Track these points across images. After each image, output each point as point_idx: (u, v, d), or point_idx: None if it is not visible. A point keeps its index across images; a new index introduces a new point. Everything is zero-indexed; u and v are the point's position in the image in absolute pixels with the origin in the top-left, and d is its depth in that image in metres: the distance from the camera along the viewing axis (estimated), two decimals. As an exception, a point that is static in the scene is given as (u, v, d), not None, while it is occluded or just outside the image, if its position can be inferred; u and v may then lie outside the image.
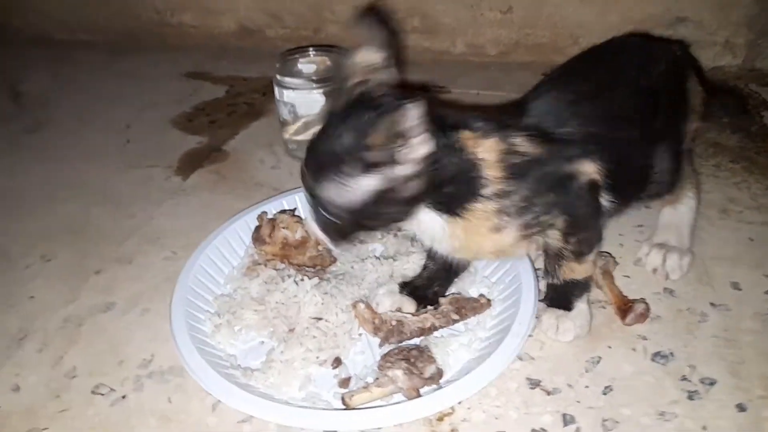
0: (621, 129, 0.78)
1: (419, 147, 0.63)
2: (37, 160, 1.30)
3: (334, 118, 0.69)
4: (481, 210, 0.70)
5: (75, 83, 1.65)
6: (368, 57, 0.70)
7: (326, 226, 0.71)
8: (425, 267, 0.86)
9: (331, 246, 0.75)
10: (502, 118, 0.74)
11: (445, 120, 0.69)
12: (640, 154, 0.82)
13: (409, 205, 0.69)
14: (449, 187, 0.69)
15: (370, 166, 0.64)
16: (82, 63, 1.76)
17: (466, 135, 0.69)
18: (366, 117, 0.65)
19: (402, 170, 0.65)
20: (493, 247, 0.74)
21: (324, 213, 0.69)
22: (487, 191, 0.69)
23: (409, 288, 0.84)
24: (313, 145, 0.70)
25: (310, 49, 1.23)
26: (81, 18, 1.90)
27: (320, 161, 0.68)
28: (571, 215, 0.73)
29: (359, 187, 0.66)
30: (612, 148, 0.75)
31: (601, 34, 1.49)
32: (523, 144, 0.71)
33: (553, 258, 0.78)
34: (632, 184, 0.83)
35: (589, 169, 0.73)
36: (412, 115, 0.60)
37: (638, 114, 0.82)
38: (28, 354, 0.83)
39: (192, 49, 1.79)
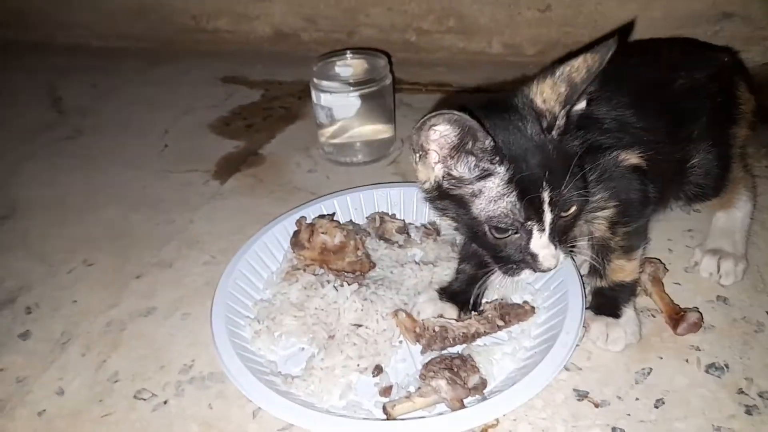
0: (649, 120, 0.77)
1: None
2: (77, 167, 1.32)
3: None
4: None
5: (113, 91, 1.68)
6: None
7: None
8: (460, 271, 0.84)
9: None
10: None
11: None
12: (672, 148, 0.80)
13: None
14: None
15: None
16: (120, 71, 1.79)
17: None
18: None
19: None
20: None
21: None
22: None
23: (447, 294, 0.82)
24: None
25: (347, 52, 1.22)
26: (119, 27, 1.93)
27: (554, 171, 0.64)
28: (619, 199, 0.71)
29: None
30: (641, 136, 0.74)
31: (643, 31, 1.47)
32: None
33: (600, 253, 0.76)
34: (669, 176, 0.81)
35: (629, 156, 0.72)
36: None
37: (673, 109, 0.80)
38: (72, 358, 0.84)
39: (227, 54, 1.81)
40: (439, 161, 0.66)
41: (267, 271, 0.93)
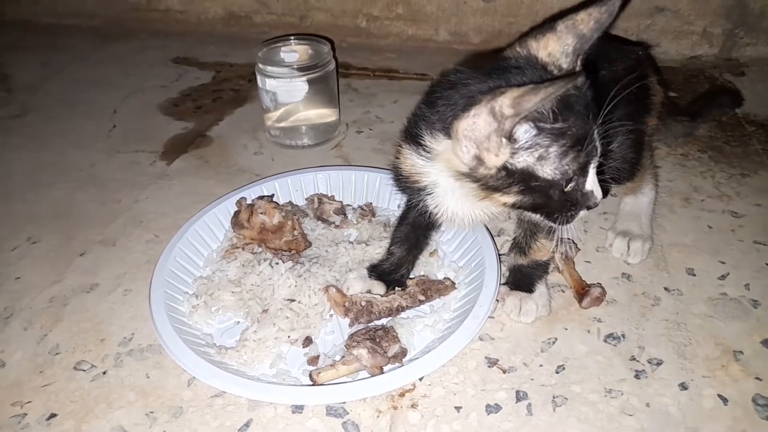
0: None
1: None
2: (23, 145, 1.32)
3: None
4: None
5: (62, 69, 1.67)
6: None
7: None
8: (391, 254, 0.89)
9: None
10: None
11: None
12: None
13: None
14: None
15: None
16: (70, 48, 1.78)
17: None
18: None
19: None
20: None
21: None
22: None
23: (377, 272, 0.88)
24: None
25: (292, 38, 1.25)
26: (69, 3, 1.91)
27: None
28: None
29: None
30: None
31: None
32: None
33: (529, 232, 0.82)
34: None
35: None
36: None
37: (601, 102, 0.86)
38: (14, 332, 0.86)
39: (179, 35, 1.81)
40: (508, 140, 0.63)
41: (207, 249, 0.97)
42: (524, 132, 0.63)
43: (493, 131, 0.62)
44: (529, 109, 0.59)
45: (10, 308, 0.91)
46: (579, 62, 0.67)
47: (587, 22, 0.65)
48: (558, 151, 0.64)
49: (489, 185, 0.67)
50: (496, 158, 0.64)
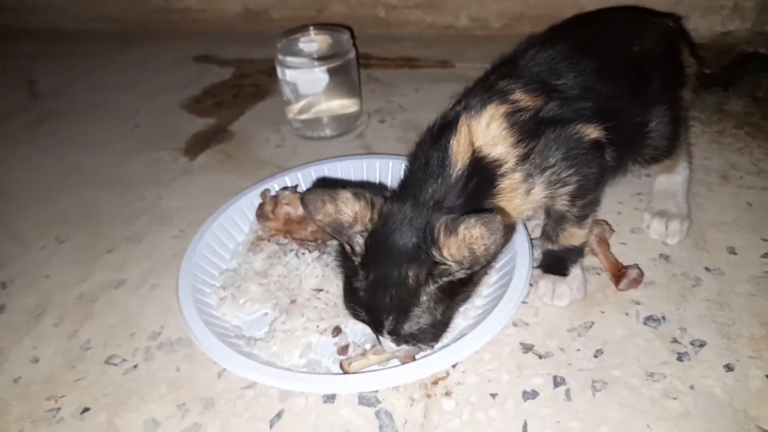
0: (614, 85, 0.80)
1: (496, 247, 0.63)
2: (51, 148, 1.34)
3: (375, 264, 0.66)
4: (509, 185, 0.70)
5: (87, 73, 1.69)
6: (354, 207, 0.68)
7: (418, 344, 0.70)
8: None
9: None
10: (491, 79, 0.75)
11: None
12: (634, 112, 0.83)
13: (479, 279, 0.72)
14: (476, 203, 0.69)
15: (446, 285, 0.65)
16: (94, 52, 1.80)
17: (460, 138, 0.69)
18: (417, 246, 0.64)
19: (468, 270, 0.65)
20: (530, 206, 0.75)
21: (412, 339, 0.68)
22: (506, 167, 0.70)
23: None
24: (371, 294, 0.67)
25: (311, 27, 1.24)
26: (94, 9, 1.93)
27: (393, 306, 0.66)
28: (581, 175, 0.73)
29: (442, 304, 0.67)
30: (606, 102, 0.77)
31: (606, 2, 1.49)
32: (522, 97, 0.72)
33: (556, 222, 0.80)
34: (629, 140, 0.85)
35: (591, 130, 0.74)
36: (497, 227, 0.59)
37: (631, 75, 0.83)
38: (45, 328, 0.87)
39: (199, 34, 1.82)
40: None
41: (233, 242, 0.96)
42: None
43: None
44: None
45: (41, 306, 0.91)
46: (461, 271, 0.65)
47: (479, 245, 0.61)
48: None
49: None
50: None
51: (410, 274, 0.64)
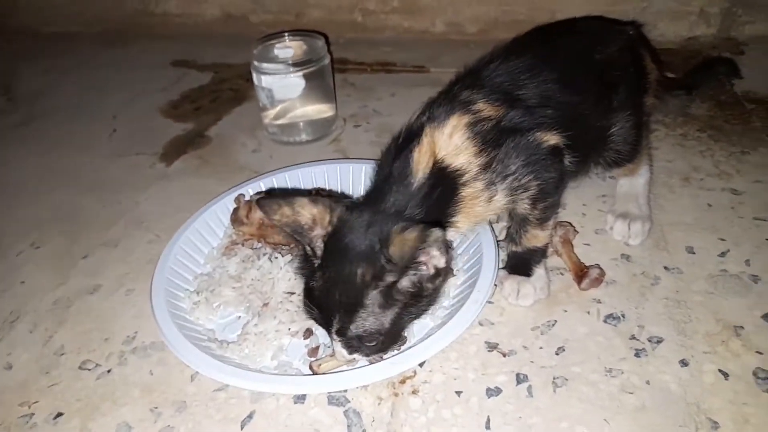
0: (575, 93, 0.83)
1: (438, 261, 0.68)
2: (28, 152, 1.34)
3: (330, 264, 0.69)
4: (471, 194, 0.73)
5: (64, 76, 1.70)
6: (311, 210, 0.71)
7: (367, 352, 0.72)
8: None
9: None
10: (454, 90, 0.78)
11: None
12: (596, 118, 0.87)
13: (434, 297, 0.74)
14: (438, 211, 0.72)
15: (391, 290, 0.68)
16: (72, 56, 1.80)
17: (422, 149, 0.72)
18: (371, 247, 0.67)
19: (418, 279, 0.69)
20: (493, 212, 0.78)
21: (361, 344, 0.70)
22: (468, 176, 0.73)
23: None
24: (323, 292, 0.70)
25: (286, 34, 1.26)
26: (70, 12, 1.93)
27: (341, 304, 0.68)
28: (541, 179, 0.76)
29: (388, 311, 0.69)
30: (567, 110, 0.80)
31: (578, 7, 1.52)
32: (484, 108, 0.75)
33: (519, 225, 0.82)
34: (591, 145, 0.88)
35: (550, 137, 0.77)
36: (435, 238, 0.64)
37: (592, 82, 0.86)
38: (20, 334, 0.88)
39: (177, 38, 1.83)
40: None
41: (208, 246, 0.97)
42: None
43: None
44: None
45: (15, 312, 0.92)
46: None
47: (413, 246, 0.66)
48: None
49: None
50: None
51: (359, 272, 0.67)
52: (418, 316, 0.73)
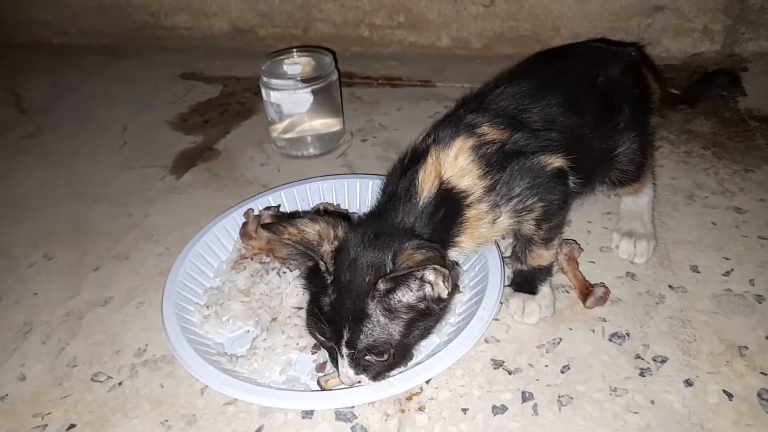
0: (579, 116, 0.84)
1: (441, 290, 0.69)
2: (38, 164, 1.36)
3: (340, 277, 0.70)
4: (475, 215, 0.75)
5: (74, 88, 1.72)
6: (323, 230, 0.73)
7: (376, 370, 0.72)
8: None
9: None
10: (459, 113, 0.79)
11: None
12: (600, 140, 0.88)
13: (440, 316, 0.75)
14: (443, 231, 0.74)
15: (390, 301, 0.69)
16: (81, 68, 1.82)
17: (427, 171, 0.74)
18: (381, 259, 0.69)
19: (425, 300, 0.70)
20: (497, 234, 0.79)
21: (371, 358, 0.71)
22: (473, 198, 0.74)
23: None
24: (334, 305, 0.70)
25: (294, 50, 1.28)
26: (79, 24, 1.95)
27: (349, 314, 0.69)
28: (546, 201, 0.78)
29: (394, 322, 0.70)
30: (571, 133, 0.81)
31: (582, 24, 1.55)
32: (489, 131, 0.76)
33: (524, 244, 0.83)
34: (596, 166, 0.89)
35: (554, 160, 0.78)
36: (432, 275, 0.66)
37: (596, 105, 0.87)
38: (33, 346, 0.89)
39: (186, 51, 1.85)
40: None
41: (217, 260, 0.99)
42: None
43: None
44: None
45: (28, 323, 0.93)
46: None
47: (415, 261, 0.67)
48: None
49: None
50: None
51: (365, 281, 0.68)
52: (426, 333, 0.74)
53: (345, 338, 0.69)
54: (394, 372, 0.73)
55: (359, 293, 0.68)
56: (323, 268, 0.72)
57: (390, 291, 0.68)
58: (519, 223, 0.78)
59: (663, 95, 1.02)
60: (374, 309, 0.69)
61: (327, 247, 0.72)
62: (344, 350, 0.70)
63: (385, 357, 0.70)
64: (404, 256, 0.67)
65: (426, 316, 0.71)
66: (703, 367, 0.77)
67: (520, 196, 0.75)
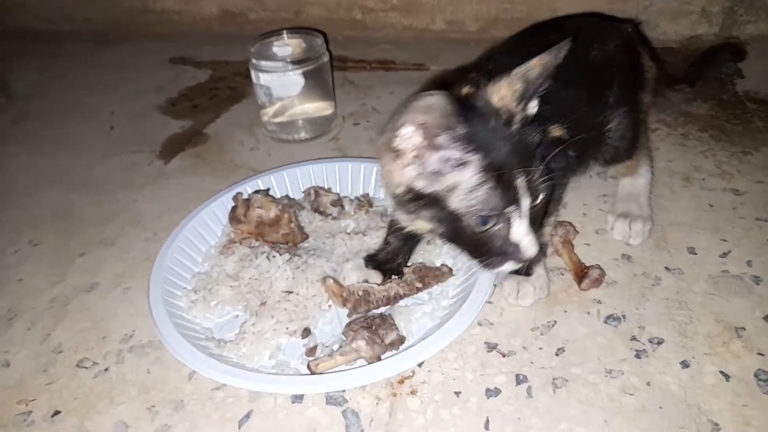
0: (573, 89, 0.82)
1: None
2: (24, 150, 1.33)
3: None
4: None
5: (61, 74, 1.68)
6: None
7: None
8: (387, 242, 0.89)
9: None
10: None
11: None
12: (594, 114, 0.87)
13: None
14: None
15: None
16: (68, 54, 1.79)
17: None
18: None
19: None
20: None
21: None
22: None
23: (374, 262, 0.87)
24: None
25: (284, 31, 1.25)
26: (65, 10, 1.91)
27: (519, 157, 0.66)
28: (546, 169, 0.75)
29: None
30: (565, 105, 0.80)
31: (578, 5, 1.52)
32: None
33: None
34: (589, 141, 0.88)
35: (553, 130, 0.77)
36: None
37: (589, 78, 0.86)
38: (17, 332, 0.87)
39: (176, 36, 1.81)
40: (413, 161, 0.66)
41: (206, 245, 0.97)
42: (434, 155, 0.65)
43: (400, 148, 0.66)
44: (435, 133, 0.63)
45: (13, 309, 0.91)
46: (526, 106, 0.67)
47: (537, 68, 0.66)
48: (468, 184, 0.65)
49: (402, 205, 0.70)
50: (399, 177, 0.68)
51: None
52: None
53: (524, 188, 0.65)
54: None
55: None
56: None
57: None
58: None
59: (660, 74, 1.00)
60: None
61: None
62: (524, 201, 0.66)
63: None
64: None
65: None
66: (699, 348, 0.76)
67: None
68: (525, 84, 0.66)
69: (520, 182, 0.65)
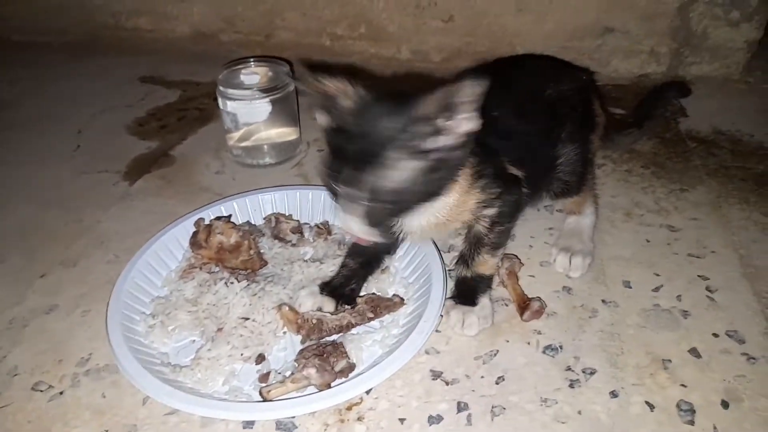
0: (528, 124, 0.89)
1: (467, 122, 0.70)
2: (-8, 162, 1.34)
3: (364, 112, 0.71)
4: (468, 172, 0.79)
5: (30, 87, 1.69)
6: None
7: (371, 216, 0.74)
8: (344, 265, 0.93)
9: (372, 237, 0.77)
10: None
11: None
12: (546, 148, 0.93)
13: (450, 175, 0.76)
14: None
15: (415, 144, 0.70)
16: (39, 67, 1.80)
17: None
18: (407, 101, 0.69)
19: (445, 141, 0.71)
20: (468, 209, 0.82)
21: (369, 202, 0.72)
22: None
23: (328, 288, 0.91)
24: (347, 140, 0.72)
25: (251, 60, 1.29)
26: (38, 21, 1.92)
27: (362, 151, 0.70)
28: (503, 201, 0.83)
29: (406, 166, 0.71)
30: (521, 139, 0.86)
31: (537, 42, 1.60)
32: None
33: (472, 247, 0.88)
34: (541, 174, 0.94)
35: (513, 169, 0.84)
36: (469, 91, 0.66)
37: (543, 115, 0.93)
38: (-27, 354, 0.88)
39: (147, 54, 1.84)
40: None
41: (166, 269, 0.99)
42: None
43: None
44: None
45: (-30, 331, 0.92)
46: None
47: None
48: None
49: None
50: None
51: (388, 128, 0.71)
52: (433, 185, 0.75)
53: (362, 182, 0.70)
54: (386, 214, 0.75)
55: (380, 139, 0.70)
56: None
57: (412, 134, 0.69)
58: (476, 219, 0.83)
59: (608, 121, 1.07)
60: (394, 153, 0.70)
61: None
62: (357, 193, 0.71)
63: (391, 203, 0.72)
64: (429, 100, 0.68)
65: (438, 169, 0.73)
66: (628, 379, 0.81)
67: (487, 179, 0.79)
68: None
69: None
